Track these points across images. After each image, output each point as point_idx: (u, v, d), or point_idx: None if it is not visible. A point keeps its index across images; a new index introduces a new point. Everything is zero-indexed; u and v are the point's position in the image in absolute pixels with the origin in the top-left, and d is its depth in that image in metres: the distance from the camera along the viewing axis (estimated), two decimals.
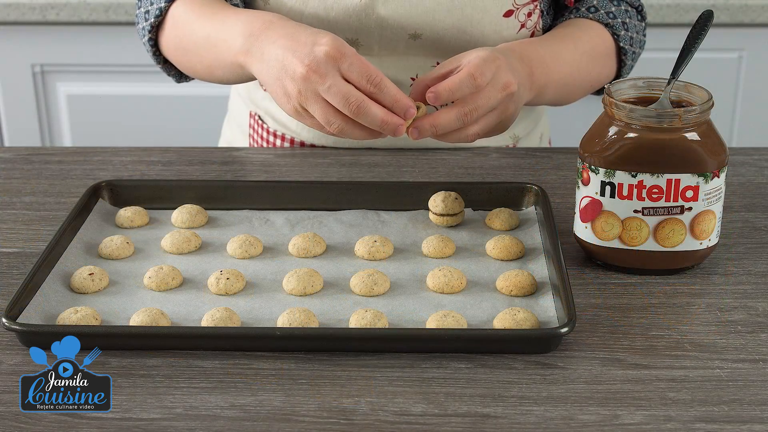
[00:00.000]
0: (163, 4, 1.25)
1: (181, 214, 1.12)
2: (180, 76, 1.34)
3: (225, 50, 1.14)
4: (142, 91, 2.22)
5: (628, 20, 1.29)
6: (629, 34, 1.29)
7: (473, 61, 1.06)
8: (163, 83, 2.18)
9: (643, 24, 1.33)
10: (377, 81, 1.01)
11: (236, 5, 1.25)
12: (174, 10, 1.24)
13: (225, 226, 1.12)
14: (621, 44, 1.29)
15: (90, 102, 2.23)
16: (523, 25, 1.25)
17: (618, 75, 1.32)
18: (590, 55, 1.26)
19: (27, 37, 2.17)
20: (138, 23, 1.29)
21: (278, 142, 1.37)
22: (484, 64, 1.05)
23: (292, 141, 1.36)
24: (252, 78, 1.16)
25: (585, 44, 1.25)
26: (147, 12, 1.27)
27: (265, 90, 1.36)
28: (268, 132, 1.38)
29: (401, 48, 1.26)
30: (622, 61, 1.30)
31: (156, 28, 1.27)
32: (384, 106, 1.02)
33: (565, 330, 0.89)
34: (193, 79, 1.34)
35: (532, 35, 1.26)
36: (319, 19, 1.23)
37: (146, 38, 1.28)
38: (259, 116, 1.39)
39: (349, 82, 1.01)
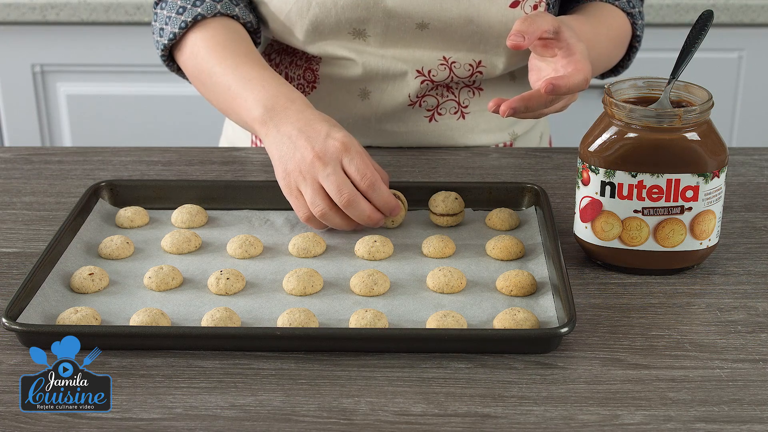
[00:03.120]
0: (177, 30, 1.25)
1: (181, 214, 1.12)
2: None
3: (243, 110, 1.16)
4: (142, 91, 2.22)
5: (642, 10, 1.33)
6: (643, 23, 1.33)
7: (585, 63, 1.06)
8: (163, 83, 2.18)
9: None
10: (371, 181, 1.06)
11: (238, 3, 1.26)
12: (193, 40, 1.24)
13: (225, 226, 1.12)
14: (637, 32, 1.32)
15: (90, 102, 2.23)
16: None
17: (624, 62, 1.35)
18: (615, 42, 1.29)
19: (27, 37, 2.17)
20: (153, 33, 1.30)
21: None
22: (591, 66, 1.08)
23: None
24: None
25: (614, 31, 1.28)
26: (162, 30, 1.27)
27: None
28: None
29: (408, 38, 1.26)
30: (634, 47, 1.33)
31: (170, 49, 1.28)
32: (373, 204, 1.07)
33: (565, 330, 0.89)
34: None
35: None
36: (327, 9, 1.23)
37: (159, 54, 1.29)
38: None
39: (347, 175, 1.06)
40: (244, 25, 1.27)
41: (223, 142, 1.51)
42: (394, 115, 1.32)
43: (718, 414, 0.83)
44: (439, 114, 1.33)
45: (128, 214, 1.13)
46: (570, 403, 0.84)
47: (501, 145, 1.37)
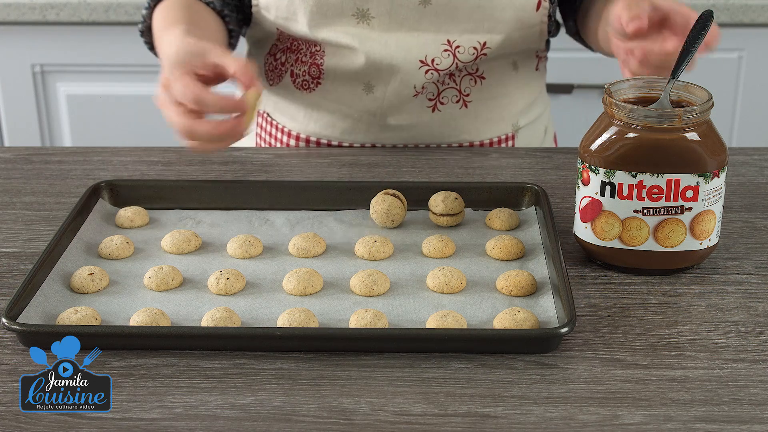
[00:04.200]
0: (144, 12, 1.30)
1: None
2: None
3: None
4: (142, 91, 2.22)
5: None
6: None
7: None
8: None
9: None
10: (194, 97, 1.06)
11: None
12: (155, 15, 1.29)
13: (225, 226, 1.12)
14: None
15: (90, 102, 2.23)
16: None
17: None
18: None
19: (27, 37, 2.17)
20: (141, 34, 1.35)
21: (285, 139, 1.38)
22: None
23: (297, 137, 1.37)
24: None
25: None
26: (141, 22, 1.32)
27: (271, 84, 1.37)
28: (276, 128, 1.39)
29: (411, 19, 1.27)
30: None
31: (146, 33, 1.31)
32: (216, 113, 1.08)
33: (565, 330, 0.89)
34: None
35: (538, 5, 1.28)
36: None
37: (144, 42, 1.33)
38: (267, 113, 1.40)
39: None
40: (207, 4, 1.30)
41: None
42: (399, 107, 1.32)
43: (718, 414, 0.83)
44: (442, 103, 1.33)
45: (128, 214, 1.13)
46: (570, 403, 0.84)
47: (504, 137, 1.37)
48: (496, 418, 0.83)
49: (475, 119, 1.35)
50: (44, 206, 1.19)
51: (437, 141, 1.35)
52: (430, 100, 1.33)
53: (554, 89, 2.09)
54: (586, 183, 1.02)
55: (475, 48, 1.29)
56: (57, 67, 2.21)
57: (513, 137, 1.39)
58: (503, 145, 1.38)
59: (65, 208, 1.18)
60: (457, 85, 1.32)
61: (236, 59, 1.08)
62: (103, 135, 2.25)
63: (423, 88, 1.31)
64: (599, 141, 1.01)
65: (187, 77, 1.07)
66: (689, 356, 0.90)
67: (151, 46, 1.32)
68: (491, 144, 1.37)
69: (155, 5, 1.29)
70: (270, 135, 1.40)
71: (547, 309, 0.96)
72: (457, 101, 1.33)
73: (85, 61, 2.19)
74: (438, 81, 1.31)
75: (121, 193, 1.16)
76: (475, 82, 1.33)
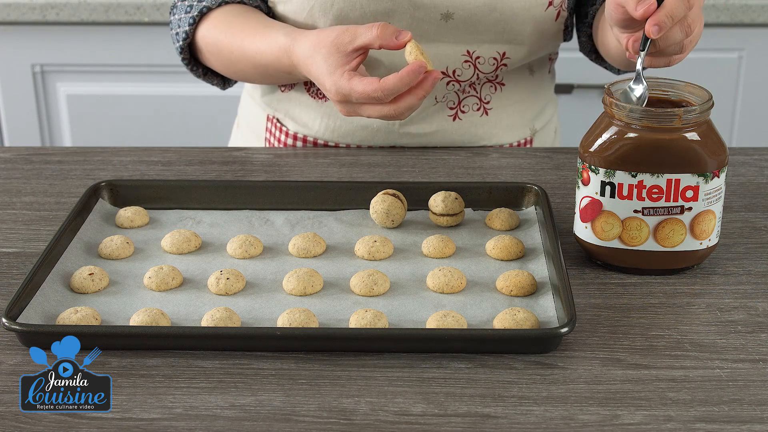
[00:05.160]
0: (187, 28, 1.29)
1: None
2: (223, 84, 1.38)
3: (273, 48, 1.21)
4: (142, 91, 2.22)
5: None
6: None
7: None
8: (164, 83, 2.18)
9: None
10: (380, 95, 1.07)
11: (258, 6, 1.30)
12: (203, 31, 1.28)
13: (225, 226, 1.12)
14: None
15: (90, 102, 2.23)
16: (550, 3, 1.26)
17: None
18: None
19: (27, 37, 2.17)
20: (173, 43, 1.34)
21: (299, 145, 1.37)
22: None
23: (315, 142, 1.36)
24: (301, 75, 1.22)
25: None
26: (177, 34, 1.31)
27: (283, 90, 1.36)
28: (287, 135, 1.37)
29: (432, 32, 1.26)
30: None
31: (186, 50, 1.32)
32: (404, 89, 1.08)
33: (565, 330, 0.89)
34: (236, 82, 1.39)
35: (558, 15, 1.28)
36: (352, 2, 1.23)
37: (180, 58, 1.33)
38: (277, 119, 1.39)
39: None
40: (255, 8, 1.30)
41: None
42: (420, 115, 1.32)
43: (718, 414, 0.83)
44: (462, 111, 1.33)
45: (128, 214, 1.13)
46: (570, 403, 0.84)
47: (522, 141, 1.37)
48: (496, 418, 0.83)
49: (495, 126, 1.35)
50: (44, 206, 1.19)
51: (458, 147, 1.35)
52: (450, 108, 1.32)
53: (554, 89, 2.09)
54: (586, 183, 1.02)
55: (495, 59, 1.29)
56: (57, 67, 2.21)
57: (531, 141, 1.39)
58: None
59: (65, 208, 1.18)
60: (477, 92, 1.32)
61: (371, 34, 1.09)
62: (103, 135, 2.25)
63: (444, 97, 1.31)
64: (599, 141, 1.01)
65: (355, 79, 1.09)
66: (689, 356, 0.90)
67: (189, 61, 1.33)
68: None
69: (199, 20, 1.29)
70: (279, 141, 1.38)
71: (547, 309, 0.96)
72: (478, 109, 1.33)
73: (85, 61, 2.19)
74: (459, 90, 1.31)
75: (121, 193, 1.16)
76: (495, 89, 1.33)
